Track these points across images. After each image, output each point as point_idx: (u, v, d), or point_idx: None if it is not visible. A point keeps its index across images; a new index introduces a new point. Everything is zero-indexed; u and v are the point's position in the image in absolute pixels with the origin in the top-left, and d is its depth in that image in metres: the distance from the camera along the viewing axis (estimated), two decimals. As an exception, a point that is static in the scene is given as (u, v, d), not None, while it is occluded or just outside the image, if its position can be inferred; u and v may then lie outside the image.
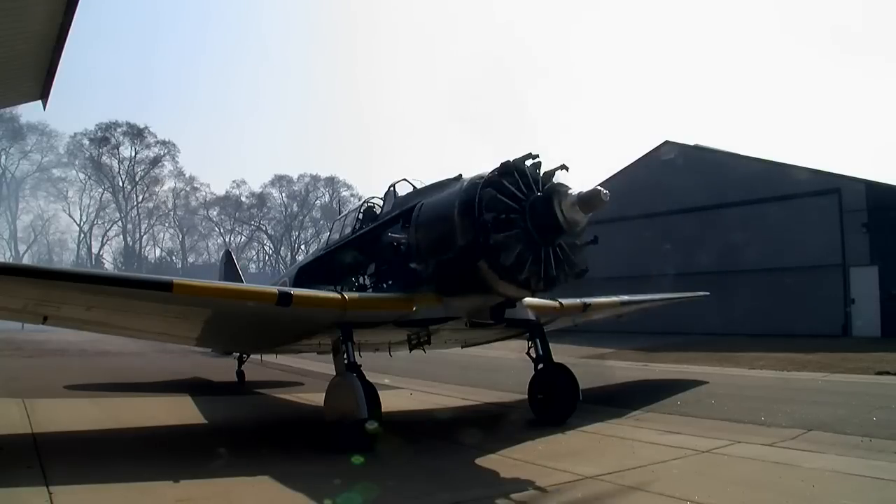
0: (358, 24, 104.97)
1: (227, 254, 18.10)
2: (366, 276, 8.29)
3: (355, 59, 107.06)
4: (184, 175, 73.66)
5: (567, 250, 6.55)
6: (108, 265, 69.54)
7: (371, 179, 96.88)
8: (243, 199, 76.56)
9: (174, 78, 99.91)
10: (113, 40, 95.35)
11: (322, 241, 12.11)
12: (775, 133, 73.12)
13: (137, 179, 70.60)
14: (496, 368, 13.49)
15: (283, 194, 78.15)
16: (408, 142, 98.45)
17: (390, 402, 8.09)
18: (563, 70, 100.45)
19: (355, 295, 7.19)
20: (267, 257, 79.58)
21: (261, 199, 76.92)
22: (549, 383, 8.33)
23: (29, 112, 55.62)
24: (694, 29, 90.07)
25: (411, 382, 11.97)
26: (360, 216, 8.96)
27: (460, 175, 7.21)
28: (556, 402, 8.14)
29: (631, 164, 27.96)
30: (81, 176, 68.38)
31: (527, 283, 6.42)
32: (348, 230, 9.12)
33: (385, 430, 6.47)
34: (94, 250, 70.01)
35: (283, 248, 77.72)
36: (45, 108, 13.91)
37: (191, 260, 77.04)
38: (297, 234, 77.55)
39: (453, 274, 6.87)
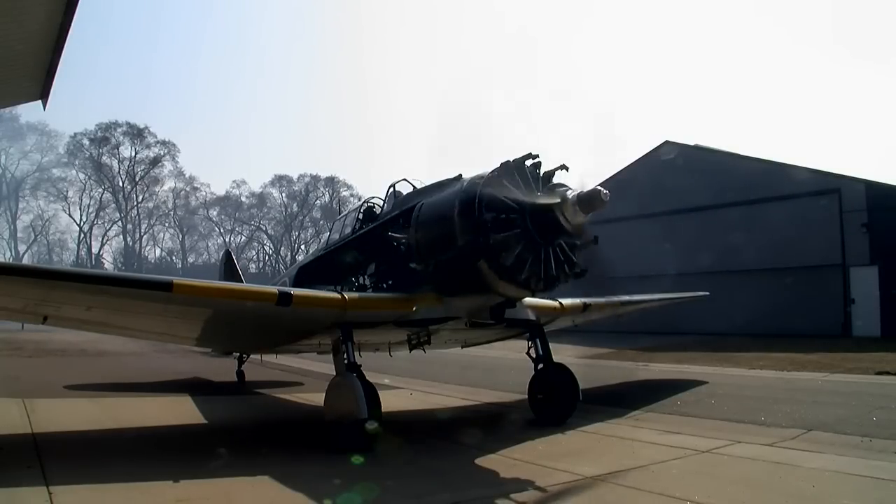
0: (359, 23, 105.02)
1: (227, 254, 18.08)
2: (366, 276, 8.28)
3: (356, 59, 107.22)
4: (184, 175, 73.82)
5: (567, 250, 6.55)
6: (108, 265, 69.58)
7: (371, 179, 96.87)
8: (243, 199, 76.75)
9: (174, 78, 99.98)
10: (113, 40, 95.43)
11: (322, 241, 12.10)
12: (775, 133, 73.07)
13: (137, 179, 70.60)
14: (496, 368, 13.49)
15: (283, 194, 78.25)
16: (408, 142, 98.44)
17: (390, 402, 8.10)
18: (563, 70, 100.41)
19: (355, 295, 7.19)
20: (267, 257, 79.60)
21: (261, 199, 76.99)
22: (549, 383, 8.33)
23: (29, 112, 55.86)
24: (694, 29, 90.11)
25: (411, 382, 11.98)
26: (360, 216, 8.96)
27: (460, 175, 7.21)
28: (556, 402, 8.15)
29: (631, 164, 27.96)
30: (81, 176, 68.54)
31: (527, 283, 6.42)
32: (348, 230, 9.12)
33: (385, 430, 6.47)
34: (94, 250, 70.10)
35: (283, 248, 77.73)
36: (45, 108, 13.88)
37: (191, 260, 77.14)
38: (297, 234, 77.56)
39: (453, 274, 6.87)
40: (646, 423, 7.94)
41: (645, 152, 28.00)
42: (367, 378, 6.85)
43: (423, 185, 7.94)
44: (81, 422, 8.25)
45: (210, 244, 78.32)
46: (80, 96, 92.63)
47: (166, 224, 75.65)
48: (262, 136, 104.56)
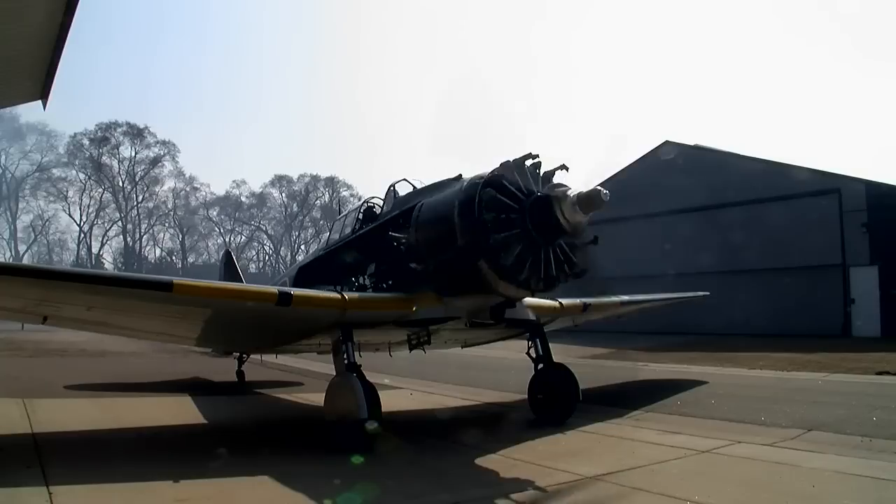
0: (359, 23, 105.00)
1: (227, 254, 18.09)
2: (366, 276, 8.28)
3: (356, 59, 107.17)
4: (184, 175, 73.86)
5: (567, 250, 6.55)
6: (108, 265, 69.56)
7: (371, 179, 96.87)
8: (243, 199, 76.84)
9: (174, 78, 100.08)
10: (113, 40, 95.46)
11: (322, 241, 12.10)
12: (775, 133, 73.09)
13: (137, 179, 70.68)
14: (496, 368, 13.49)
15: (283, 194, 78.33)
16: (408, 142, 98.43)
17: (390, 402, 8.09)
18: (564, 70, 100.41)
19: (355, 295, 7.18)
20: (267, 257, 79.67)
21: (261, 199, 77.05)
22: (549, 383, 8.33)
23: (29, 112, 55.74)
24: (694, 29, 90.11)
25: (411, 382, 11.97)
26: (360, 216, 8.95)
27: (460, 175, 7.20)
28: (556, 402, 8.15)
29: (631, 164, 27.96)
30: (81, 176, 68.59)
31: (527, 283, 6.42)
32: (348, 230, 9.12)
33: (385, 430, 6.47)
34: (94, 250, 70.12)
35: (283, 248, 77.80)
36: (45, 108, 13.84)
37: (191, 260, 77.09)
38: (297, 234, 77.62)
39: (453, 274, 6.87)
40: (646, 423, 7.93)
41: (645, 152, 28.03)
42: (367, 378, 6.85)
43: (423, 186, 7.94)
44: (81, 422, 8.24)
45: (210, 244, 78.44)
46: (80, 96, 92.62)
47: (166, 224, 75.70)
48: (262, 136, 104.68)
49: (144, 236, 74.37)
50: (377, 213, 8.64)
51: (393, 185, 8.41)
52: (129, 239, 71.86)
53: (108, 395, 11.02)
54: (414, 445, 6.87)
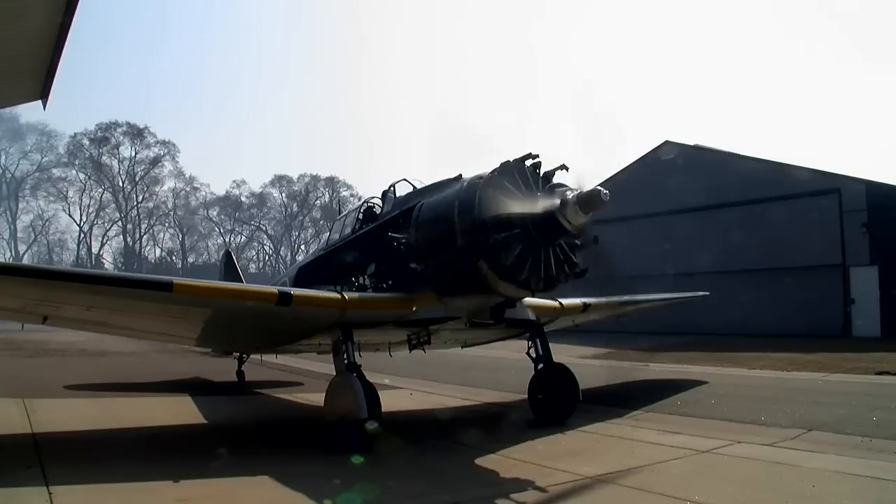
0: (359, 23, 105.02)
1: (227, 254, 18.09)
2: (366, 277, 8.27)
3: (356, 59, 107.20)
4: (184, 175, 73.82)
5: (567, 250, 6.55)
6: (108, 265, 69.56)
7: (371, 179, 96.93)
8: (243, 199, 76.80)
9: (174, 78, 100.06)
10: (113, 40, 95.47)
11: (322, 241, 12.10)
12: (775, 133, 73.10)
13: (137, 179, 70.66)
14: (496, 368, 13.49)
15: (283, 194, 78.30)
16: (408, 142, 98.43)
17: (390, 402, 8.09)
18: (563, 70, 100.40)
19: (355, 295, 7.19)
20: (267, 257, 79.67)
21: (261, 199, 77.03)
22: (549, 383, 8.33)
23: (29, 112, 55.87)
24: (694, 29, 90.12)
25: (411, 382, 11.97)
26: (360, 216, 8.95)
27: (460, 175, 7.21)
28: (556, 402, 8.15)
29: (631, 164, 27.94)
30: (81, 176, 68.57)
31: (527, 284, 6.42)
32: (348, 230, 9.12)
33: (385, 430, 6.47)
34: (94, 250, 70.12)
35: (283, 248, 77.79)
36: (45, 108, 13.83)
37: (191, 260, 77.05)
38: (297, 234, 77.63)
39: (453, 274, 6.87)
40: (646, 423, 7.93)
41: (645, 152, 28.01)
42: (367, 378, 6.85)
43: (423, 186, 7.94)
44: (81, 422, 8.25)
45: (210, 244, 78.36)
46: (80, 96, 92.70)
47: (166, 224, 75.66)
48: (262, 136, 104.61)
49: (144, 236, 74.44)
50: (377, 213, 8.64)
51: (393, 185, 8.40)
52: (129, 239, 71.88)
53: (108, 395, 11.02)
54: (414, 445, 6.87)
